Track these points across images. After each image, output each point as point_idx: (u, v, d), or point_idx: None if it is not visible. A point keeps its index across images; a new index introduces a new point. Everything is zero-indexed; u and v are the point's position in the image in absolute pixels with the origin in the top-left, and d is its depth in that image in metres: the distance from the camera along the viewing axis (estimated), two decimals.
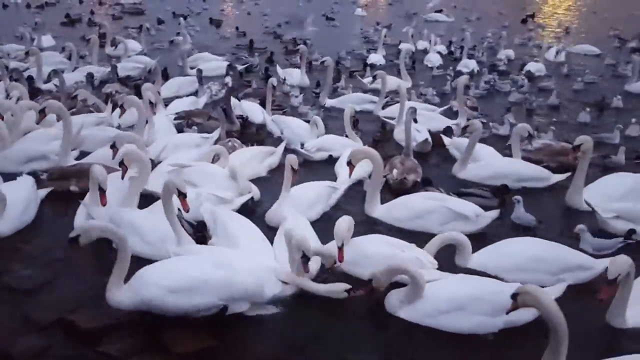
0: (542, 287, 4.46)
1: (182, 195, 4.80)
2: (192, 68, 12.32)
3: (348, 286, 4.51)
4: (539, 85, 11.83)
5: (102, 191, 5.14)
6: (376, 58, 14.03)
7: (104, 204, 5.18)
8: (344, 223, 4.83)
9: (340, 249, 4.68)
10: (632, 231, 5.51)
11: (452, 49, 15.79)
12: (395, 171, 6.74)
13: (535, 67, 13.11)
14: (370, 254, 4.69)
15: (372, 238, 5.06)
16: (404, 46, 14.45)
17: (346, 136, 8.01)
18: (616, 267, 4.11)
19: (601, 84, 12.57)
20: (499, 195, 6.31)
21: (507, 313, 3.89)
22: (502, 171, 6.91)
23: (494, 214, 5.71)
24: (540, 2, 32.83)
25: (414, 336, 4.24)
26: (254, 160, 6.97)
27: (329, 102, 10.29)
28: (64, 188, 6.22)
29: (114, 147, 6.25)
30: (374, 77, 10.39)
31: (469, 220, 5.56)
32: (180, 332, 4.08)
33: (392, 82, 10.48)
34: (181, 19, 17.30)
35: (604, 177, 6.51)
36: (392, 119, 8.91)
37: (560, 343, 3.60)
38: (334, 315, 4.43)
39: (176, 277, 4.12)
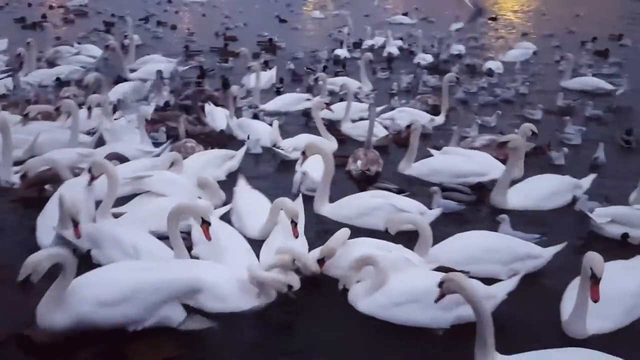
0: (498, 280, 4.63)
1: (205, 224, 4.57)
2: (132, 71, 12.04)
3: (292, 285, 4.48)
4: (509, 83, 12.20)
5: (75, 223, 4.76)
6: (342, 52, 15.02)
7: (78, 236, 4.80)
8: (339, 240, 4.82)
9: (322, 260, 4.74)
10: (626, 235, 5.69)
11: (407, 45, 16.66)
12: (359, 162, 7.09)
13: (494, 65, 13.88)
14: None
15: (359, 241, 5.04)
16: (369, 42, 16.35)
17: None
18: (601, 265, 3.97)
19: (540, 82, 13.06)
20: (475, 191, 6.68)
21: (435, 301, 3.95)
22: (439, 167, 7.12)
23: (437, 212, 5.89)
24: (492, 5, 33.75)
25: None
26: (210, 165, 6.92)
27: (268, 106, 10.04)
28: (40, 194, 6.07)
29: (24, 176, 6.00)
30: (316, 80, 10.55)
31: None
32: (143, 344, 3.98)
33: (352, 84, 10.54)
34: (128, 18, 16.89)
35: (530, 178, 6.75)
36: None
37: (484, 328, 3.68)
38: (305, 323, 4.42)
39: (108, 289, 3.97)
